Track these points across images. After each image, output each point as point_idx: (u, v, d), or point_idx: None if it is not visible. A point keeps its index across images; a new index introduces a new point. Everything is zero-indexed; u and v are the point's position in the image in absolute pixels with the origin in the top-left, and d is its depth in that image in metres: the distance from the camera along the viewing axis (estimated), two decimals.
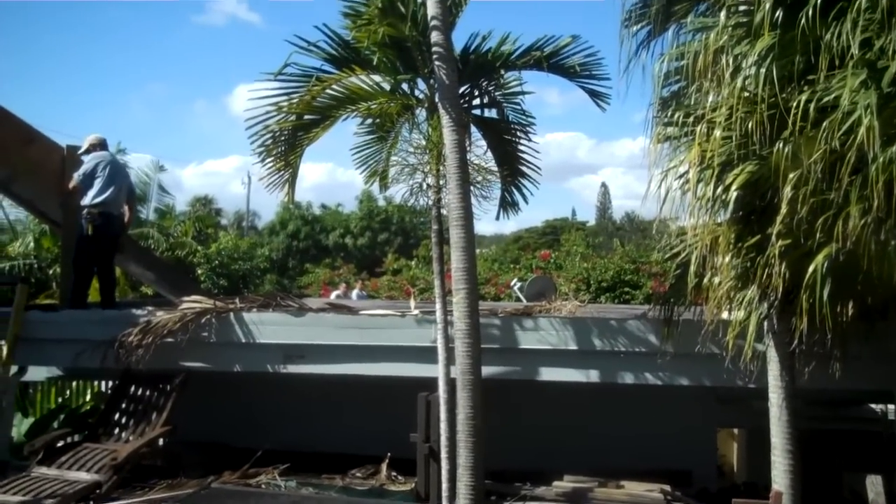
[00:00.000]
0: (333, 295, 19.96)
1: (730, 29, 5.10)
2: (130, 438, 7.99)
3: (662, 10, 5.81)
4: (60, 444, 8.08)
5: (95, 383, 11.02)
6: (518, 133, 8.01)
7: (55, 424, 9.64)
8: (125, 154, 25.39)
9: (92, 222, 9.18)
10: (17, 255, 23.02)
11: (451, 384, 6.52)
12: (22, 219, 24.57)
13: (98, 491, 7.28)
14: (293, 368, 7.97)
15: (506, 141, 8.01)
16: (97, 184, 9.22)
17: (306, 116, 7.61)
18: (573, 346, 7.40)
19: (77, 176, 9.28)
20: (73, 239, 9.54)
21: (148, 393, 8.34)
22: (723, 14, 5.12)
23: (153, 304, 9.80)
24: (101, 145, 9.64)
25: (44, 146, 9.78)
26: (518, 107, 7.87)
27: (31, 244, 23.04)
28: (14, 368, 8.73)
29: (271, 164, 7.79)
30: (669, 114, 5.69)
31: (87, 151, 9.56)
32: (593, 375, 7.45)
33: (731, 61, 5.01)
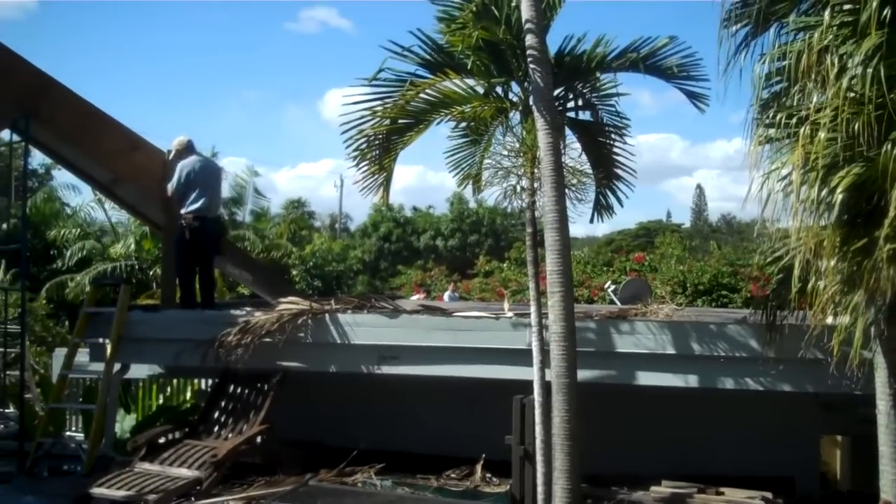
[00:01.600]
0: (413, 298, 19.96)
1: (834, 28, 4.97)
2: (230, 436, 8.17)
3: (763, 10, 5.68)
4: (162, 440, 8.31)
5: (195, 381, 11.29)
6: (613, 135, 7.93)
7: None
8: (217, 158, 26.08)
9: (189, 227, 9.40)
10: (118, 256, 23.78)
11: (547, 387, 6.48)
12: (123, 221, 25.33)
13: (199, 487, 7.48)
14: (387, 369, 8.05)
15: (600, 143, 7.94)
16: (190, 191, 9.44)
17: (400, 120, 7.66)
18: (671, 351, 7.31)
19: (171, 187, 9.51)
20: (174, 241, 9.80)
21: (246, 392, 8.53)
22: (827, 13, 4.99)
23: (251, 305, 10.00)
24: (188, 149, 9.83)
25: (147, 152, 10.08)
26: (613, 108, 7.79)
27: (133, 246, 23.73)
28: (117, 366, 9.02)
29: (366, 167, 7.86)
30: (771, 115, 5.58)
31: (176, 157, 9.76)
32: (692, 380, 7.33)
33: (836, 61, 4.88)
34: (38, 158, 22.55)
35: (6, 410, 11.49)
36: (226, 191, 27.53)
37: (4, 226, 12.28)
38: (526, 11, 6.43)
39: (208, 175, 9.71)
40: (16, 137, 10.64)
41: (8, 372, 11.04)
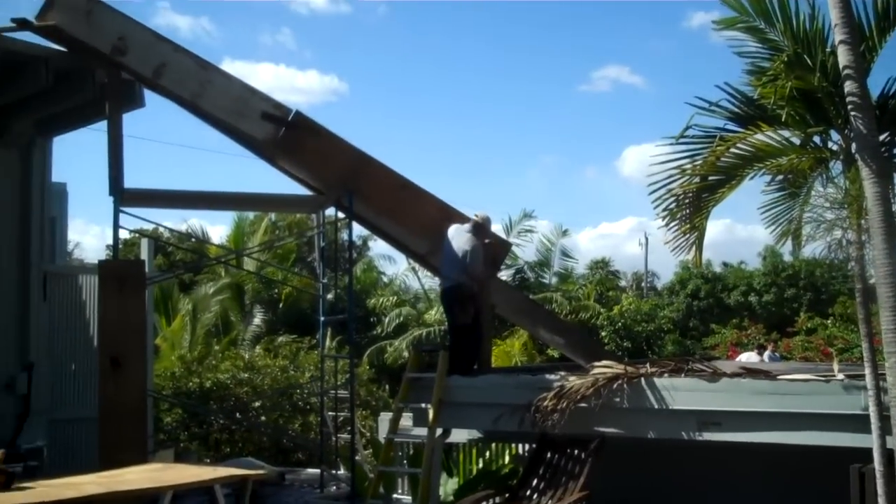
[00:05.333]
0: (744, 357, 18.93)
1: None
2: (549, 503, 8.19)
3: None
4: None
5: (513, 446, 11.46)
6: None
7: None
8: (533, 219, 26.81)
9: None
10: (433, 322, 24.93)
11: (888, 455, 6.01)
12: (436, 287, 26.61)
13: None
14: (708, 436, 7.76)
15: None
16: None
17: (710, 177, 7.48)
18: None
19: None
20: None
21: (564, 457, 8.50)
22: None
23: (565, 369, 10.05)
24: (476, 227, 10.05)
25: (460, 222, 10.50)
26: None
27: None
28: (439, 431, 9.34)
29: (676, 227, 7.71)
30: None
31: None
32: None
33: None
34: (354, 231, 24.42)
35: (338, 472, 12.27)
36: (531, 254, 28.18)
37: (330, 296, 13.29)
38: (843, 57, 6.12)
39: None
40: (339, 213, 11.58)
41: (339, 435, 11.81)
